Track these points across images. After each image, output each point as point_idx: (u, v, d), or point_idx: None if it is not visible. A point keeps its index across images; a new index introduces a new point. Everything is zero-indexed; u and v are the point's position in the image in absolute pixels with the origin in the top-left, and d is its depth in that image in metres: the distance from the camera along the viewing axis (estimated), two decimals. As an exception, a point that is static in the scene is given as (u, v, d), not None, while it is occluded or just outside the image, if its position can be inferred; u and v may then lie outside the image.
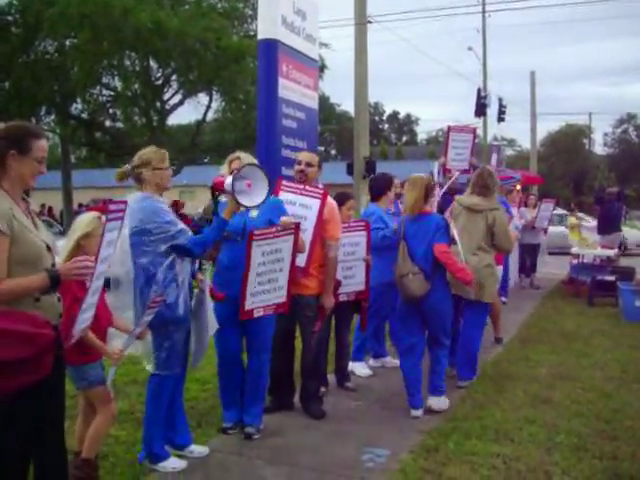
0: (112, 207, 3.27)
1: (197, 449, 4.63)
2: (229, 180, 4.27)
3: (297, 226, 4.77)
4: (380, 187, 6.83)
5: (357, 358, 6.88)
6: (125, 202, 3.43)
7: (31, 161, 3.07)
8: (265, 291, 4.69)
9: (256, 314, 4.69)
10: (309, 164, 5.41)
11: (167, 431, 4.50)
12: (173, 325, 4.28)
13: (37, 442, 3.13)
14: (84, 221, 3.97)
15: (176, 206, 27.59)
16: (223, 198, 4.53)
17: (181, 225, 4.26)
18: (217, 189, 4.44)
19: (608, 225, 12.95)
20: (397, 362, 6.34)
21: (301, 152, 6.03)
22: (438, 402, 5.66)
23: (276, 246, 4.64)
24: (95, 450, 4.04)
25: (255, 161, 4.88)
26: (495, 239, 6.45)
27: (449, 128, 9.51)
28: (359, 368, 6.85)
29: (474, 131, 9.63)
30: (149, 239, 4.15)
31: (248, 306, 4.62)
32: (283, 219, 4.76)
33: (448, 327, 5.77)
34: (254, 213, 4.78)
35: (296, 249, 4.79)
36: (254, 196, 4.33)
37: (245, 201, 4.29)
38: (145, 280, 4.19)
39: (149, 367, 4.42)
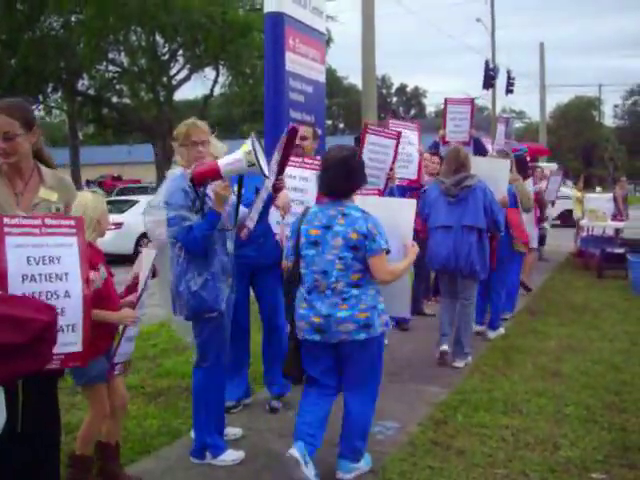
0: None
1: (231, 431, 4.47)
2: (241, 155, 3.64)
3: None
4: None
5: None
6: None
7: None
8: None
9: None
10: (303, 137, 5.32)
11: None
12: (203, 317, 3.98)
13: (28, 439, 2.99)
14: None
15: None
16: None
17: (188, 222, 3.81)
18: (209, 176, 3.74)
19: None
20: None
21: None
22: (494, 333, 7.25)
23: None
24: (88, 448, 3.66)
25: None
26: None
27: (446, 101, 9.49)
28: None
29: (472, 102, 9.55)
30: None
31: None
32: (282, 199, 4.52)
33: (502, 277, 7.24)
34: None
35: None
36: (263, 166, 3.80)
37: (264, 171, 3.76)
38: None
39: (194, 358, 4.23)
